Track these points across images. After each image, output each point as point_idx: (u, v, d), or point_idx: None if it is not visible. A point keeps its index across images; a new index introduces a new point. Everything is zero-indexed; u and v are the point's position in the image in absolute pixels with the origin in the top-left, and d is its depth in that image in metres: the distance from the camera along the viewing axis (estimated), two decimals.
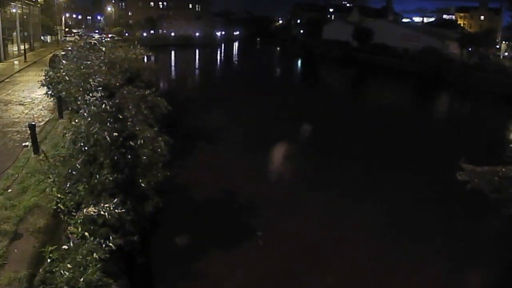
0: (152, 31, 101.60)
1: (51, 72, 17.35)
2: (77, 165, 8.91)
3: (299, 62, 79.24)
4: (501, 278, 12.11)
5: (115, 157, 9.50)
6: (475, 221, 15.11)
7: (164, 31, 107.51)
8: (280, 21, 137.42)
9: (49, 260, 6.38)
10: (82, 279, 6.09)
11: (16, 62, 34.16)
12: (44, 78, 17.31)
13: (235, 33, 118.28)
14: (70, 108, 15.27)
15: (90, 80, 13.78)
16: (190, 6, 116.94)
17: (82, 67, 16.05)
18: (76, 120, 10.42)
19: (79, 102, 12.33)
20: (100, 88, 12.80)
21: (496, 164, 11.81)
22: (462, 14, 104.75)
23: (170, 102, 16.48)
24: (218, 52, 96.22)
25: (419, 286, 11.61)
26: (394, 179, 18.82)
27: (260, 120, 29.42)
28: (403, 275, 11.97)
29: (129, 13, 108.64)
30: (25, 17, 46.01)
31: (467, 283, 12.23)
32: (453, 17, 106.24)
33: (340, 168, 20.22)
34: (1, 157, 11.55)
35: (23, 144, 12.63)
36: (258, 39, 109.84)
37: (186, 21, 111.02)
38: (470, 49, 57.76)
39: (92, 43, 32.57)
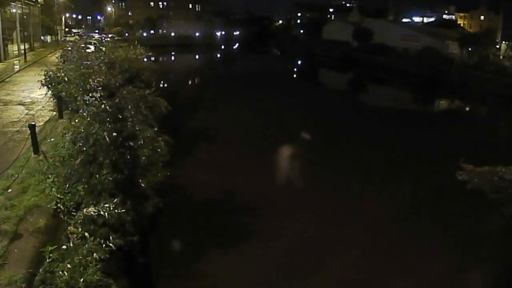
0: (152, 31, 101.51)
1: (51, 72, 17.33)
2: (77, 165, 8.91)
3: (299, 62, 79.18)
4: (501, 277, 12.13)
5: (114, 157, 9.51)
6: (474, 220, 15.12)
7: (164, 31, 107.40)
8: (280, 21, 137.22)
9: (48, 260, 6.37)
10: (82, 279, 6.09)
11: (16, 62, 34.11)
12: (44, 78, 17.29)
13: (235, 33, 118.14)
14: (70, 108, 15.25)
15: (90, 80, 13.77)
16: (190, 6, 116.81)
17: (82, 67, 16.04)
18: (76, 120, 10.43)
19: (78, 102, 12.32)
20: (100, 88, 12.80)
21: (496, 164, 11.79)
22: (462, 14, 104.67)
23: (170, 102, 16.49)
24: (218, 52, 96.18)
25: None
26: (395, 178, 18.86)
27: (260, 121, 29.42)
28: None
29: (129, 13, 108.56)
30: (25, 17, 45.98)
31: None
32: (453, 17, 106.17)
33: (340, 168, 20.23)
34: (1, 157, 11.54)
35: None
36: (258, 39, 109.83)
37: (186, 21, 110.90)
38: (470, 49, 57.69)
39: (92, 43, 32.63)
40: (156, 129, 13.27)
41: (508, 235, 13.93)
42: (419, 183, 18.27)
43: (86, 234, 6.85)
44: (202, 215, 14.60)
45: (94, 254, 6.47)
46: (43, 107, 18.64)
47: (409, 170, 19.93)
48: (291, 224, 14.46)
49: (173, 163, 14.16)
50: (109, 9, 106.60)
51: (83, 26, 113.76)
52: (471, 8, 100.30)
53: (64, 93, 15.36)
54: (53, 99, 17.68)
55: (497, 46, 70.31)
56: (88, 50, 22.60)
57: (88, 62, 16.65)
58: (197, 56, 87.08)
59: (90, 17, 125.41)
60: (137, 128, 11.29)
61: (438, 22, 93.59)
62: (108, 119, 9.99)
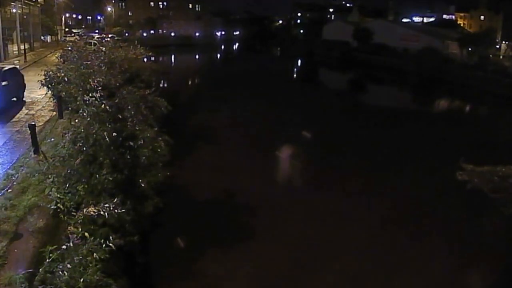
0: (152, 31, 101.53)
1: (51, 72, 17.34)
2: (77, 165, 8.91)
3: (299, 62, 79.19)
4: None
5: (114, 157, 9.52)
6: (474, 220, 15.12)
7: (164, 31, 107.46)
8: (280, 21, 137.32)
9: (48, 260, 6.37)
10: (82, 279, 6.10)
11: (16, 62, 34.04)
12: (44, 78, 17.29)
13: (235, 33, 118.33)
14: (70, 108, 15.26)
15: (90, 80, 13.79)
16: (190, 6, 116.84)
17: (82, 67, 16.07)
18: (76, 120, 10.43)
19: (78, 102, 12.34)
20: (100, 88, 12.82)
21: (496, 164, 11.79)
22: (462, 14, 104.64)
23: (170, 102, 16.51)
24: (218, 52, 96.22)
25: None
26: (395, 178, 18.87)
27: (260, 120, 29.42)
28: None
29: (129, 13, 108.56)
30: (25, 17, 45.97)
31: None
32: (453, 17, 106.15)
33: (341, 167, 20.24)
34: (1, 157, 11.54)
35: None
36: (258, 39, 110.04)
37: (186, 21, 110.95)
38: (470, 49, 57.68)
39: (92, 43, 32.64)
40: (156, 129, 13.30)
41: (508, 235, 13.93)
42: (420, 183, 18.26)
43: (86, 234, 6.85)
44: (202, 215, 14.59)
45: (94, 254, 6.47)
46: (43, 107, 18.63)
47: (409, 170, 19.91)
48: (291, 224, 14.45)
49: (173, 163, 14.17)
50: (109, 9, 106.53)
51: (83, 26, 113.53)
52: (471, 8, 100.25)
53: (64, 93, 15.37)
54: (53, 99, 17.68)
55: (497, 46, 70.33)
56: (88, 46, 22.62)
57: (88, 62, 16.68)
58: (197, 56, 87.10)
59: (90, 17, 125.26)
60: (137, 128, 11.31)
61: (438, 22, 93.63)
62: (108, 119, 10.01)
